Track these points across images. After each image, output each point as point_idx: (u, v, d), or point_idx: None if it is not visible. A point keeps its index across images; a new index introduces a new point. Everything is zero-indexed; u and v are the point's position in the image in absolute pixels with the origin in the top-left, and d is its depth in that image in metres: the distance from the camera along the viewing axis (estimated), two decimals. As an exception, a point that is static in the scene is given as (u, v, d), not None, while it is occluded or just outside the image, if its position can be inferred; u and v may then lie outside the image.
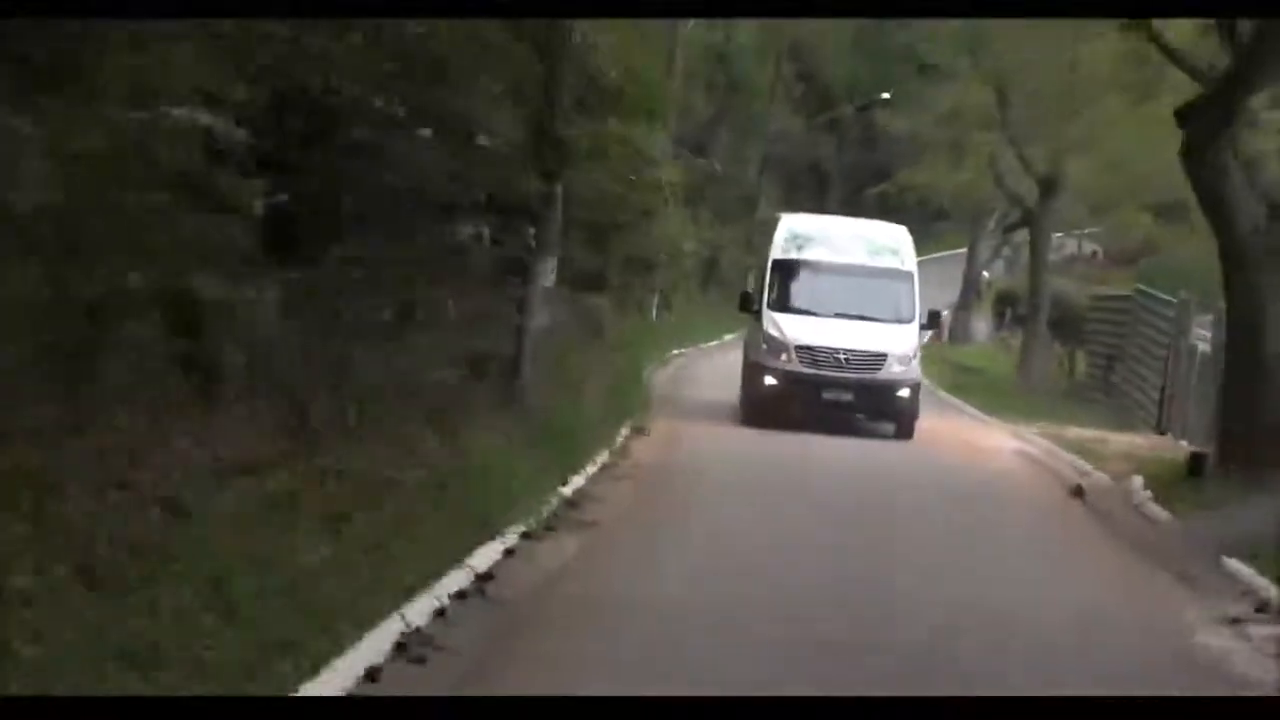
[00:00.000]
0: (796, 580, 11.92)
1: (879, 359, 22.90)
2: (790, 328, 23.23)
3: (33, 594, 7.24)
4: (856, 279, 24.02)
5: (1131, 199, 36.93)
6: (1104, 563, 14.49)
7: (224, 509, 9.37)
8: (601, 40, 16.61)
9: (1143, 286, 30.20)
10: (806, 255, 24.36)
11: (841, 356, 22.90)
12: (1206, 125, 17.71)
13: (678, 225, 34.26)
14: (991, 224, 49.04)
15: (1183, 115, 18.20)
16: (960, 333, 49.09)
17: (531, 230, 16.16)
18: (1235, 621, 11.62)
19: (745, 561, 12.66)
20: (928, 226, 49.04)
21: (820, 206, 48.67)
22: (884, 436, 23.08)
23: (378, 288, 11.82)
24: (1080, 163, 34.80)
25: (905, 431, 23.10)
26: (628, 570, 12.10)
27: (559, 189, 16.23)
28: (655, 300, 39.09)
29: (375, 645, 8.59)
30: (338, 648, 8.24)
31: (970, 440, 24.46)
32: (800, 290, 24.06)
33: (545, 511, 13.27)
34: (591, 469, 16.39)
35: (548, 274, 16.68)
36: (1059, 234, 51.34)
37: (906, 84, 48.61)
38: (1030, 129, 35.30)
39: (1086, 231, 54.01)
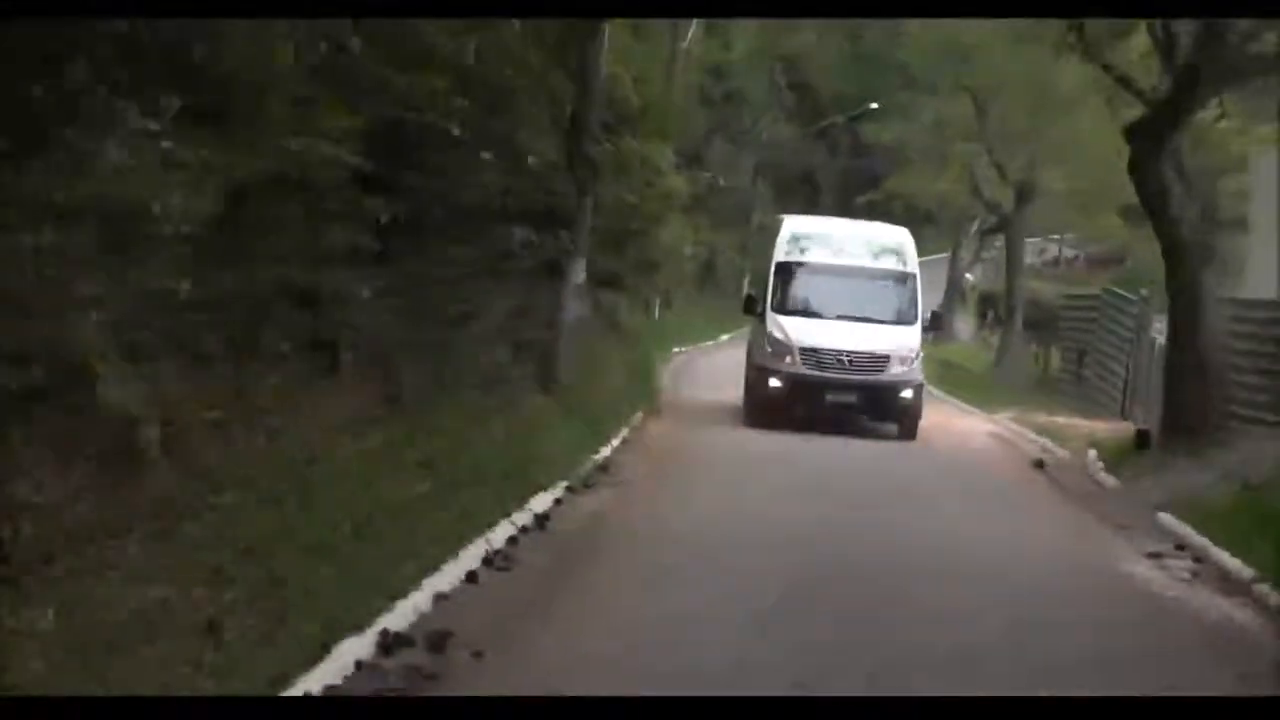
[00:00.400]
0: (788, 521, 14.46)
1: (882, 360, 23.11)
2: (794, 330, 23.42)
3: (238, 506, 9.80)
4: (859, 281, 24.22)
5: (1102, 205, 39.44)
6: (1055, 515, 17.07)
7: (345, 455, 11.93)
8: (624, 71, 19.18)
9: (1110, 286, 32.73)
10: (810, 258, 24.43)
11: (845, 358, 23.08)
12: (1149, 141, 20.31)
13: (679, 231, 36.87)
14: (973, 229, 51.63)
15: (1129, 132, 20.81)
16: (945, 331, 51.66)
17: (567, 235, 18.73)
18: (1156, 555, 14.21)
19: (743, 509, 15.25)
20: (914, 231, 51.47)
21: (812, 212, 51.12)
22: (886, 436, 23.63)
23: (451, 284, 14.33)
24: (1054, 171, 37.36)
25: (908, 432, 23.34)
26: (649, 514, 14.64)
27: (589, 200, 18.90)
28: (658, 300, 41.67)
29: (471, 557, 11.13)
30: (443, 558, 10.76)
31: (951, 426, 26.76)
32: (804, 293, 24.16)
33: (584, 472, 15.89)
34: (615, 441, 19.00)
35: (579, 274, 19.35)
36: (1038, 239, 53.97)
37: (894, 95, 51.11)
38: (1006, 140, 37.88)
39: (1067, 236, 56.50)
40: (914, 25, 38.71)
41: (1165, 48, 20.32)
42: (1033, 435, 24.70)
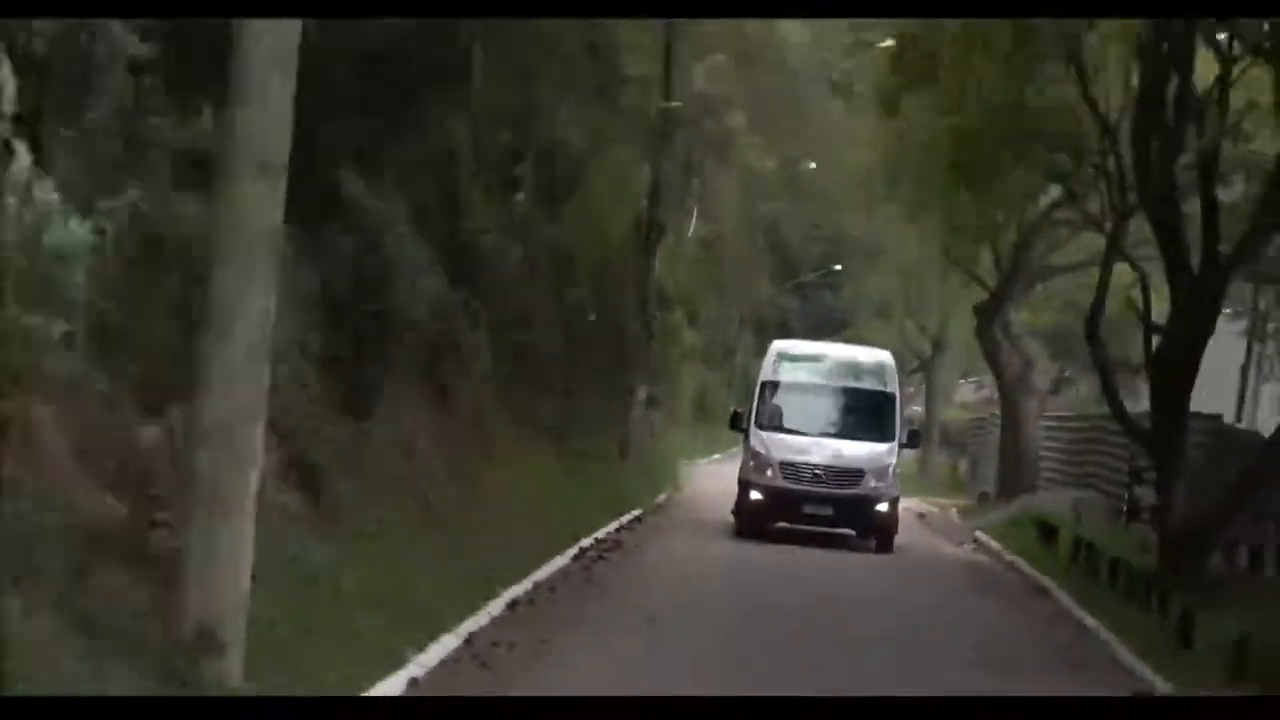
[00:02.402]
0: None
1: (857, 475, 23.94)
2: (775, 445, 24.41)
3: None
4: (839, 400, 25.27)
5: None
6: (923, 535, 29.56)
7: (498, 476, 24.16)
8: (670, 270, 32.07)
9: (994, 411, 45.40)
10: (793, 377, 25.47)
11: (822, 472, 24.04)
12: (986, 315, 33.16)
13: (686, 371, 49.47)
14: (910, 369, 64.35)
15: (976, 310, 33.70)
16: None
17: (639, 371, 31.43)
18: (962, 544, 26.90)
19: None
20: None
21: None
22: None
23: (580, 390, 26.93)
24: (961, 326, 50.04)
25: (884, 545, 24.22)
26: (681, 521, 27.15)
27: (648, 350, 31.58)
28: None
29: (607, 530, 23.29)
30: (593, 527, 22.82)
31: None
32: (786, 410, 25.18)
33: (650, 505, 28.39)
34: (661, 496, 31.46)
35: (642, 393, 31.94)
36: (976, 378, 66.36)
37: (853, 260, 63.65)
38: (924, 305, 50.74)
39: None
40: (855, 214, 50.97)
41: (996, 259, 33.24)
42: (926, 506, 37.15)
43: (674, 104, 29.84)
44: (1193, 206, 19.76)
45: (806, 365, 25.87)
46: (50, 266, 7.45)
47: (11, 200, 7.12)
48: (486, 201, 22.05)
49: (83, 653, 8.27)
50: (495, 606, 13.87)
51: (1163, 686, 13.26)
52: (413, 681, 10.31)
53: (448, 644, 11.72)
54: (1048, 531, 24.49)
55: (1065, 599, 19.17)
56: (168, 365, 9.40)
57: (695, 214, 50.04)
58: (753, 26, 44.75)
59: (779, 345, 27.19)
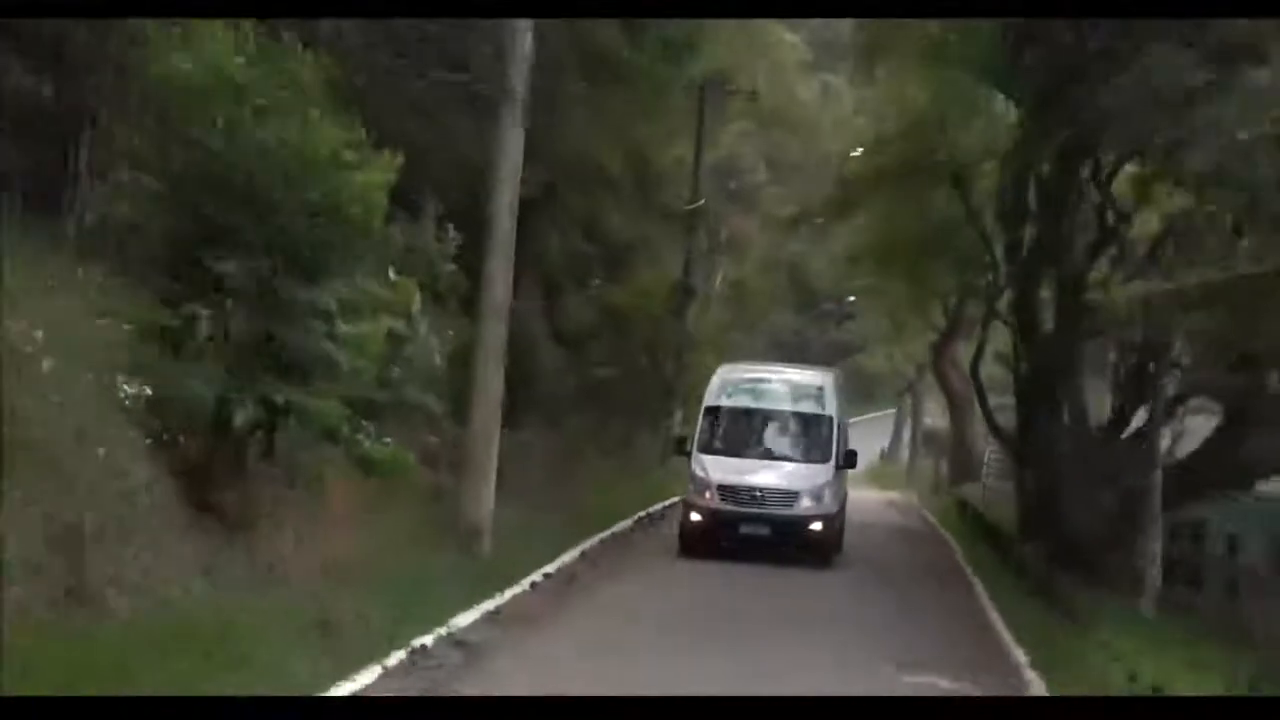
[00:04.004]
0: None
1: (792, 496, 24.34)
2: (713, 468, 24.93)
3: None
4: (778, 423, 25.85)
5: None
6: (890, 512, 40.12)
7: (583, 471, 34.70)
8: (701, 314, 42.88)
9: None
10: (733, 402, 25.98)
11: (758, 494, 24.38)
12: (938, 351, 43.81)
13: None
14: (900, 391, 75.11)
15: (931, 348, 44.38)
16: (895, 455, 74.92)
17: (674, 398, 42.02)
18: (911, 518, 37.62)
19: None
20: (872, 393, 75.21)
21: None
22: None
23: (633, 414, 37.51)
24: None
25: (822, 560, 24.31)
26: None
27: (680, 383, 42.23)
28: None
29: (653, 509, 33.94)
30: (645, 506, 33.49)
31: (869, 496, 49.60)
32: (726, 434, 25.73)
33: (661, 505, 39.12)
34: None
35: (677, 414, 42.53)
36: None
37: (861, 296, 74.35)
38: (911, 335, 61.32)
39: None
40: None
41: (945, 310, 43.90)
42: (897, 496, 47.75)
43: (699, 203, 40.45)
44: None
45: (748, 390, 26.31)
46: (428, 363, 17.74)
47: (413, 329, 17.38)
48: (572, 285, 32.93)
49: (427, 538, 18.99)
50: (592, 541, 24.42)
51: (974, 579, 23.94)
52: (582, 554, 21.50)
53: (576, 551, 22.47)
54: (962, 506, 35.11)
55: (951, 542, 29.91)
56: (452, 406, 20.08)
57: (723, 267, 60.58)
58: (774, 99, 54.68)
59: (723, 371, 27.50)
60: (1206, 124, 15.67)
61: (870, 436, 66.62)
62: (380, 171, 13.47)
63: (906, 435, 73.97)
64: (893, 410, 76.33)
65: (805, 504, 24.25)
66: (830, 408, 25.66)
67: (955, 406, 44.15)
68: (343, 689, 11.88)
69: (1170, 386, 21.63)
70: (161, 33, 13.70)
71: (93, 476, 12.27)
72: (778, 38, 55.83)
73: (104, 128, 15.73)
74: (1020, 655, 16.30)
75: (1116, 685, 13.14)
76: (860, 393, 76.76)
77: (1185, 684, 12.41)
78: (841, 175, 35.96)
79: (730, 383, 26.44)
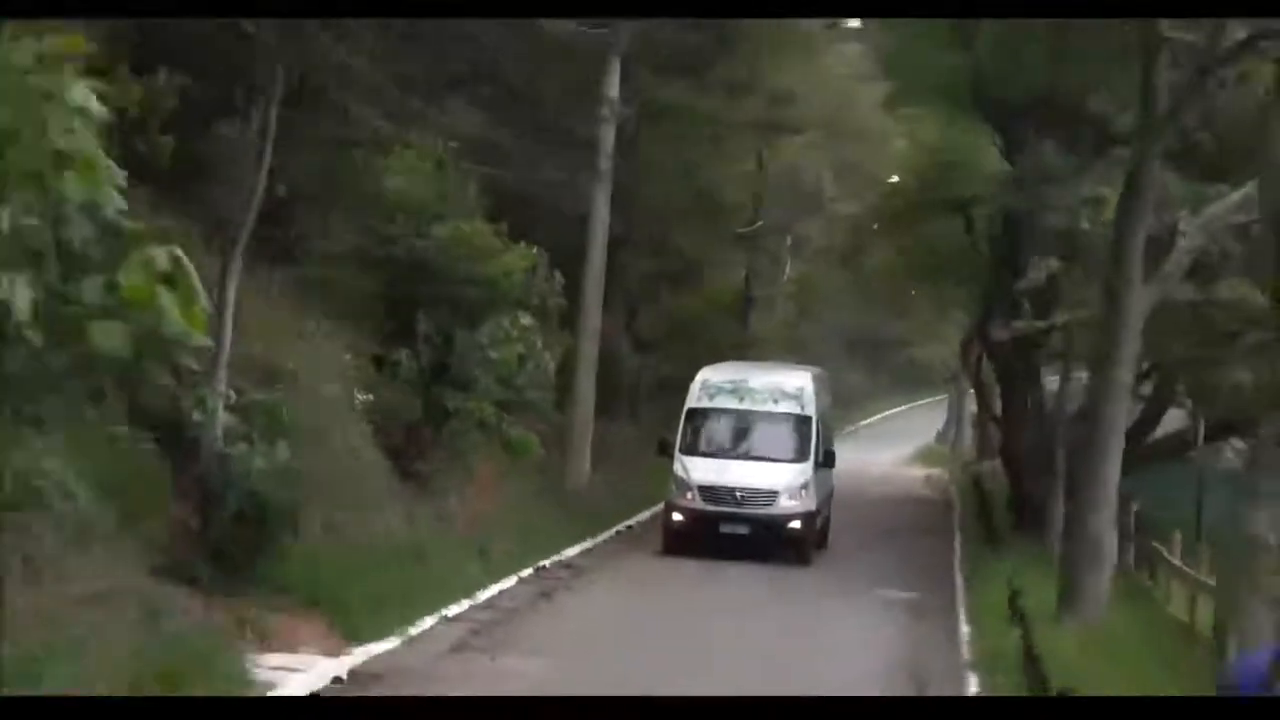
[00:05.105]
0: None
1: (770, 495, 24.82)
2: (694, 469, 25.42)
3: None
4: (758, 424, 26.26)
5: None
6: (915, 487, 47.11)
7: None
8: (764, 318, 50.01)
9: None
10: (714, 404, 26.50)
11: (737, 494, 24.92)
12: (965, 345, 50.63)
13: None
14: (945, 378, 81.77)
15: (960, 343, 51.21)
16: (948, 437, 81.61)
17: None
18: (935, 491, 44.73)
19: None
20: (930, 382, 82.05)
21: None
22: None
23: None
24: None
25: (802, 558, 24.76)
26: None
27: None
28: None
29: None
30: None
31: (910, 473, 56.25)
32: (707, 435, 26.28)
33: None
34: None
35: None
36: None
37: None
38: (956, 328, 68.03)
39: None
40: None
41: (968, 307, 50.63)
42: (933, 471, 54.33)
43: (757, 224, 47.38)
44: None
45: (729, 391, 26.68)
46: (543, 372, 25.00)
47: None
48: (648, 299, 40.16)
49: (543, 497, 26.24)
50: (659, 506, 31.32)
51: (957, 533, 31.03)
52: (652, 515, 28.23)
53: (647, 513, 29.61)
54: (976, 480, 42.02)
55: (958, 508, 37.03)
56: (558, 402, 27.37)
57: (788, 267, 67.42)
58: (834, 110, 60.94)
59: (705, 373, 27.64)
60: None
61: (926, 420, 74.09)
62: (520, 258, 20.69)
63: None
64: (945, 396, 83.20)
65: (784, 502, 24.84)
66: (810, 408, 26.27)
67: (979, 395, 50.83)
68: (493, 590, 19.22)
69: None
70: (372, 159, 21.03)
71: (338, 452, 19.58)
72: (835, 51, 61.43)
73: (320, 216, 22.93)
74: (959, 577, 23.68)
75: (998, 583, 20.25)
76: (918, 380, 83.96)
77: (1027, 580, 19.42)
78: (869, 207, 42.57)
79: (712, 385, 26.87)
